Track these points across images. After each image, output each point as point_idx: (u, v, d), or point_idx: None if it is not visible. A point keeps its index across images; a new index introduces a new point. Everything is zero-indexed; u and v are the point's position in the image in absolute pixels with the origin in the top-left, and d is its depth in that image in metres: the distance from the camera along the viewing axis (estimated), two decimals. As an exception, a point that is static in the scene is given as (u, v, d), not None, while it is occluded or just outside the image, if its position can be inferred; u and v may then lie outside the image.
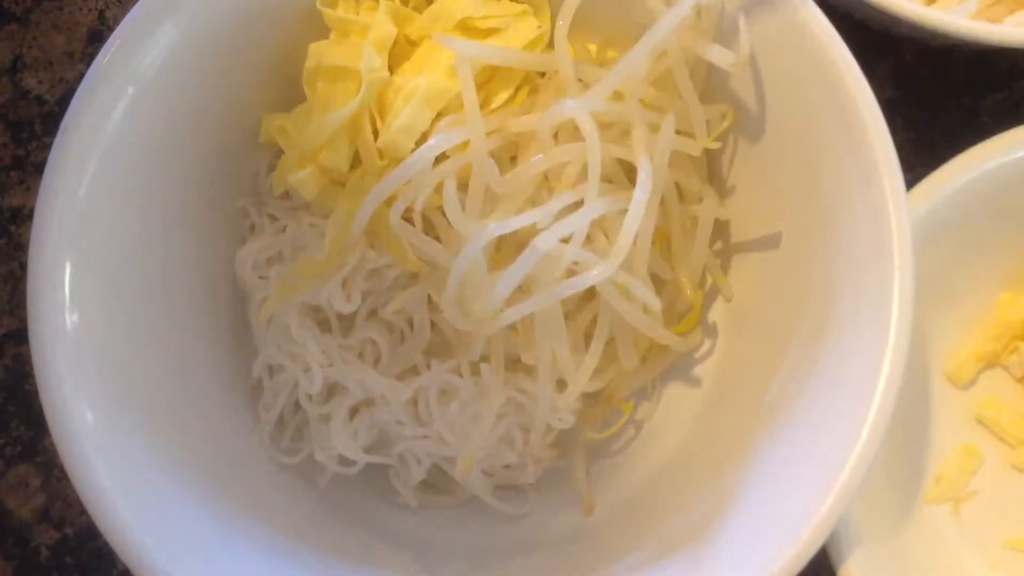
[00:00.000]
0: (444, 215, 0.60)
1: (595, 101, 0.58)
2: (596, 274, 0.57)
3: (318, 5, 0.63)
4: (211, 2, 0.59)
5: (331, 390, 0.64)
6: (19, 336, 0.75)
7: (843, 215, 0.55)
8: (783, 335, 0.59)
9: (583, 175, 0.59)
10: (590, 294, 0.61)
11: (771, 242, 0.62)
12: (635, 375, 0.64)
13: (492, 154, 0.59)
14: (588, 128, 0.56)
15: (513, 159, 0.62)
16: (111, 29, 0.58)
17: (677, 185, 0.63)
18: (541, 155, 0.58)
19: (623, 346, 0.62)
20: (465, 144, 0.58)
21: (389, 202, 0.60)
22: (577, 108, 0.57)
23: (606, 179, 0.60)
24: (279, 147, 0.65)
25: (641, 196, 0.56)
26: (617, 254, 0.56)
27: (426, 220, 0.61)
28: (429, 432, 0.62)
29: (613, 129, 0.60)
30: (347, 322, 0.64)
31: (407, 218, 0.59)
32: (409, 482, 0.64)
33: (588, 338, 0.62)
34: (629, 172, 0.61)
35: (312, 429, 0.64)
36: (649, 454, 0.65)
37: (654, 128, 0.59)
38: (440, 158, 0.58)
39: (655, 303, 0.59)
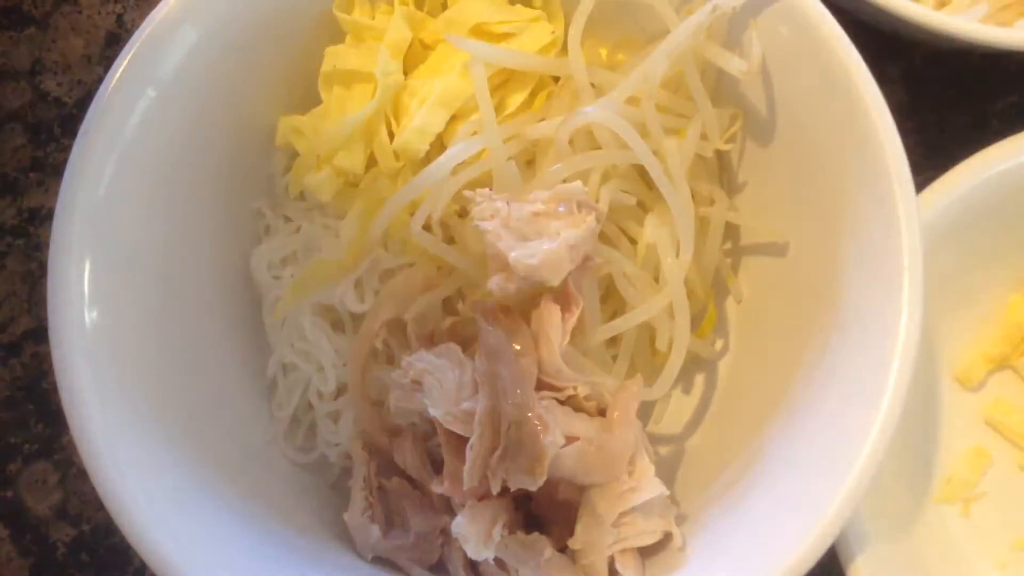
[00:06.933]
0: (461, 220, 0.61)
1: (614, 106, 0.59)
2: (648, 308, 0.59)
3: (334, 10, 0.64)
4: (229, 6, 0.60)
5: (341, 388, 0.65)
6: (37, 335, 0.76)
7: (852, 217, 0.55)
8: (793, 336, 0.59)
9: (604, 180, 0.60)
10: (612, 289, 0.62)
11: (780, 244, 0.62)
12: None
13: (509, 160, 0.60)
14: (628, 133, 0.57)
15: (530, 163, 0.62)
16: (129, 32, 0.59)
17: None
18: (560, 164, 0.59)
19: (642, 353, 0.64)
20: (483, 151, 0.59)
21: (407, 208, 0.61)
22: (598, 115, 0.58)
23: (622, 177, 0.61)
24: (295, 149, 0.66)
25: (688, 232, 0.58)
26: (673, 289, 0.58)
27: (443, 225, 0.61)
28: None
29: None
30: (360, 322, 0.65)
31: (425, 224, 0.60)
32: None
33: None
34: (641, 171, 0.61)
35: (320, 426, 0.65)
36: (658, 454, 0.65)
37: (668, 131, 0.60)
38: (459, 166, 0.59)
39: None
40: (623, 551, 0.55)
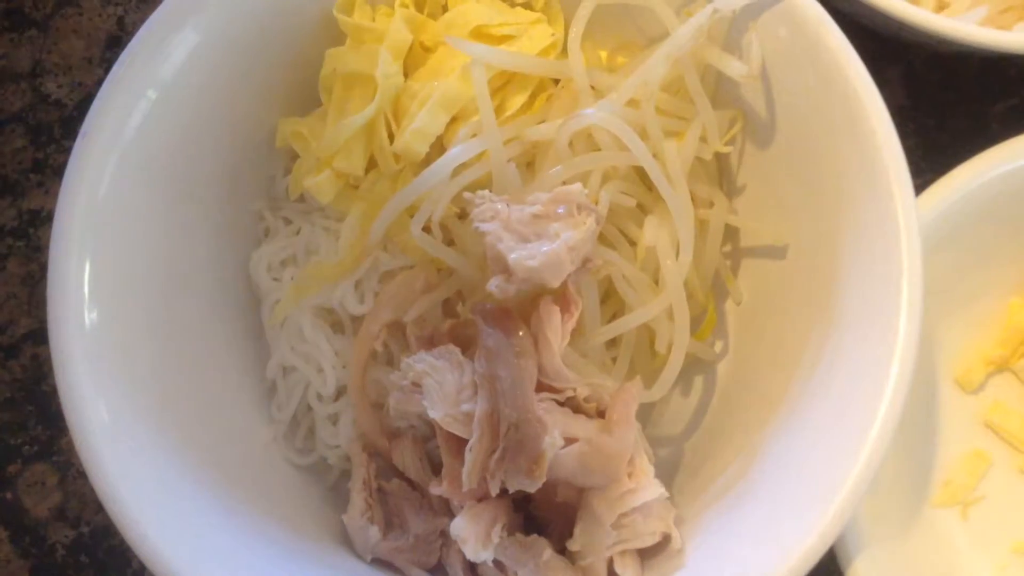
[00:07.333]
0: (460, 222, 0.61)
1: (613, 108, 0.59)
2: (648, 310, 0.59)
3: (334, 12, 0.64)
4: (230, 8, 0.60)
5: (341, 390, 0.65)
6: (37, 336, 0.76)
7: (851, 220, 0.55)
8: (793, 338, 0.59)
9: (604, 182, 0.60)
10: (611, 291, 0.62)
11: (780, 246, 0.62)
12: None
13: (509, 162, 0.60)
14: (627, 135, 0.57)
15: (530, 165, 0.62)
16: (130, 35, 0.59)
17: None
18: (560, 166, 0.59)
19: (642, 355, 0.64)
20: (483, 152, 0.59)
21: (407, 210, 0.61)
22: (598, 117, 0.58)
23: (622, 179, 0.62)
24: (295, 151, 0.66)
25: (688, 234, 0.59)
26: (672, 291, 0.58)
27: (443, 227, 0.61)
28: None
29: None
30: (360, 324, 0.65)
31: (424, 226, 0.60)
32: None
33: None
34: (641, 173, 0.62)
35: (319, 428, 0.65)
36: (657, 456, 0.66)
37: (668, 134, 0.60)
38: (459, 167, 0.59)
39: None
40: (622, 552, 0.55)
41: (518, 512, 0.58)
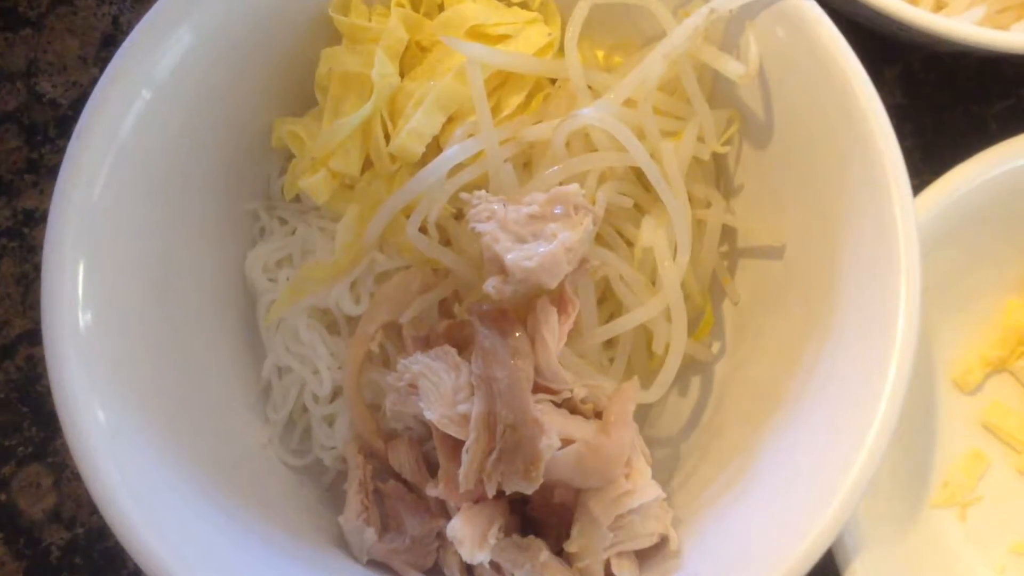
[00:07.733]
0: (457, 222, 0.61)
1: (610, 108, 0.59)
2: (645, 310, 0.59)
3: (330, 11, 0.63)
4: (225, 7, 0.60)
5: (337, 391, 0.65)
6: (32, 337, 0.75)
7: (849, 220, 0.55)
8: (790, 339, 0.59)
9: (601, 182, 0.60)
10: (608, 292, 0.62)
11: (777, 247, 0.62)
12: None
13: (506, 162, 0.60)
14: (624, 135, 0.57)
15: (526, 165, 0.62)
16: (125, 34, 0.59)
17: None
18: (557, 166, 0.59)
19: (639, 356, 0.64)
20: (480, 153, 0.59)
21: (404, 210, 0.61)
22: (594, 117, 0.58)
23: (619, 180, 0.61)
24: (291, 151, 0.66)
25: (685, 234, 0.58)
26: (669, 292, 0.58)
27: (439, 227, 0.61)
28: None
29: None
30: (355, 324, 0.65)
31: (421, 227, 0.60)
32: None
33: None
34: (638, 174, 0.61)
35: (315, 429, 0.65)
36: (655, 457, 0.65)
37: (665, 134, 0.60)
38: (455, 167, 0.59)
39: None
40: (619, 554, 0.55)
41: (515, 513, 0.58)
